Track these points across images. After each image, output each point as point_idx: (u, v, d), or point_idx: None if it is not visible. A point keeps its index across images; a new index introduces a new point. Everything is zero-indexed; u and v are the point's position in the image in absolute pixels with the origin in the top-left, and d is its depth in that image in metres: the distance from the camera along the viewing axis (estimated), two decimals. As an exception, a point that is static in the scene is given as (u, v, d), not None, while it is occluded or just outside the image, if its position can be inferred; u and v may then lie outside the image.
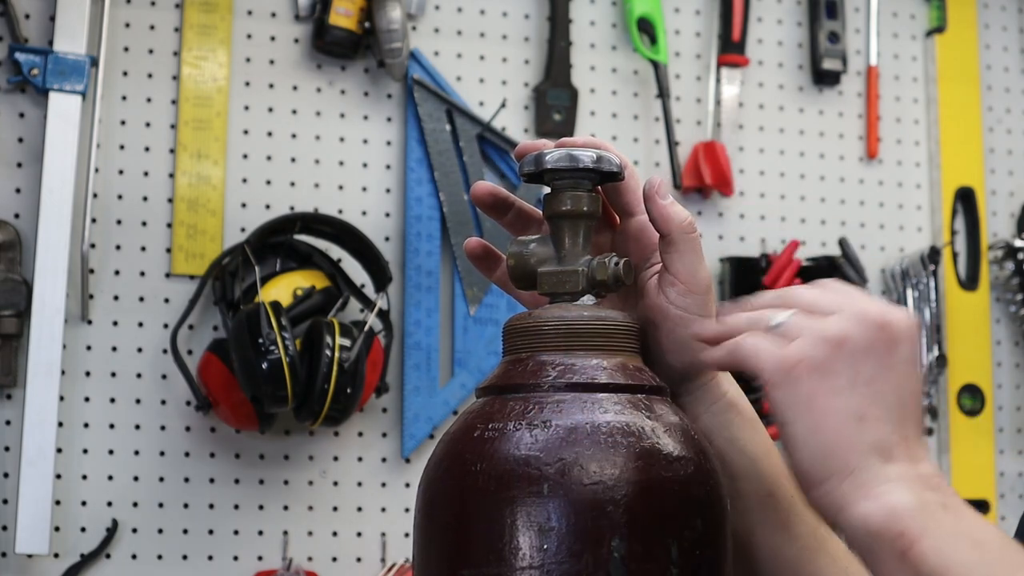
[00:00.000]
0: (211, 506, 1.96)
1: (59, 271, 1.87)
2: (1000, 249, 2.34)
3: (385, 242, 2.06)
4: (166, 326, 1.95)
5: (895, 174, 2.34)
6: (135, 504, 1.93)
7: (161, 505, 1.94)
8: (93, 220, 1.92)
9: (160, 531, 1.94)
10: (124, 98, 2.00)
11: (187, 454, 1.96)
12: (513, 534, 0.75)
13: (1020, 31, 2.44)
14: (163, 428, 1.95)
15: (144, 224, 1.98)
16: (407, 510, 2.02)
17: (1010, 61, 2.42)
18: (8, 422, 1.89)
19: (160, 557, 1.93)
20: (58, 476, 1.88)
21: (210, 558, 1.95)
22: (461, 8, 2.16)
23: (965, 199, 2.33)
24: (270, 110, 2.06)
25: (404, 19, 2.02)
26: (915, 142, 2.36)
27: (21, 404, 1.85)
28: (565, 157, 0.84)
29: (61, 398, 1.88)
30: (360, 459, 2.02)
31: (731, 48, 2.23)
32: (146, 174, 1.99)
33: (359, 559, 2.01)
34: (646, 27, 2.19)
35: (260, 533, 1.97)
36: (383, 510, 2.02)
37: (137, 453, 1.94)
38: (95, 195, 1.94)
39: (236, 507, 1.97)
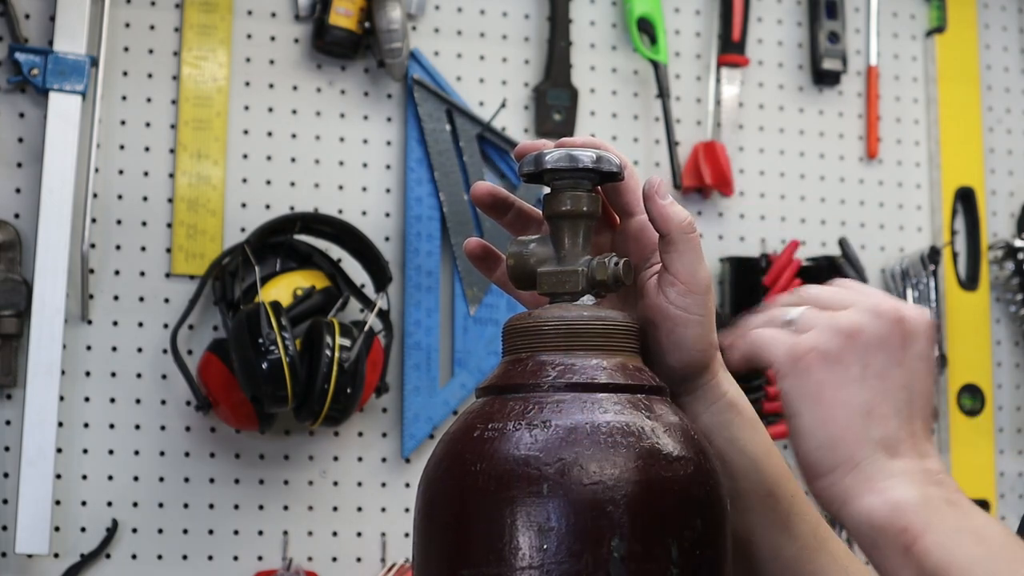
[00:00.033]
0: (211, 506, 1.96)
1: (59, 271, 1.87)
2: (1000, 249, 2.34)
3: (385, 242, 2.06)
4: (166, 326, 1.95)
5: (895, 174, 2.34)
6: (135, 504, 1.93)
7: (161, 505, 1.94)
8: (93, 220, 1.92)
9: (160, 531, 1.94)
10: (124, 98, 2.00)
11: (187, 454, 1.96)
12: (513, 534, 0.75)
13: (1020, 31, 2.44)
14: (163, 428, 1.95)
15: (144, 224, 1.98)
16: (407, 510, 2.02)
17: (1010, 61, 2.42)
18: (8, 422, 1.89)
19: (160, 557, 1.93)
20: (58, 476, 1.88)
21: (210, 558, 1.95)
22: (461, 8, 2.16)
23: (965, 199, 2.33)
24: (270, 110, 2.06)
25: (404, 19, 2.02)
26: (915, 142, 2.36)
27: (21, 404, 1.85)
28: (565, 157, 0.84)
29: (61, 398, 1.88)
30: (360, 459, 2.02)
31: (731, 48, 2.23)
32: (146, 174, 1.99)
33: (359, 559, 2.01)
34: (646, 27, 2.19)
35: (260, 533, 1.97)
36: (383, 510, 2.02)
37: (137, 453, 1.94)
38: (95, 195, 1.94)
39: (236, 507, 1.97)
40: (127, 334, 1.95)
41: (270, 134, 2.05)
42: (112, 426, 1.94)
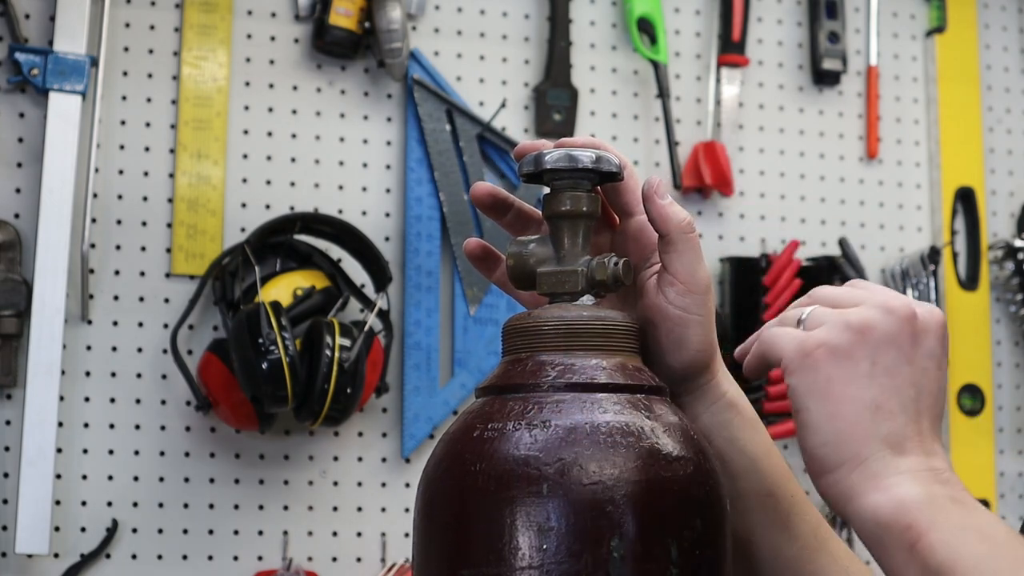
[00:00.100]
0: (211, 506, 1.96)
1: (59, 271, 1.87)
2: (1000, 249, 2.34)
3: (385, 242, 2.06)
4: (166, 326, 1.95)
5: (895, 174, 2.34)
6: (135, 504, 1.93)
7: (161, 505, 1.94)
8: (93, 220, 1.92)
9: (160, 531, 1.94)
10: (124, 98, 2.00)
11: (187, 454, 1.96)
12: (513, 534, 0.75)
13: (1020, 31, 2.44)
14: (163, 428, 1.95)
15: (144, 224, 1.98)
16: (407, 510, 2.02)
17: (1010, 61, 2.42)
18: (8, 422, 1.89)
19: (160, 557, 1.93)
20: (58, 476, 1.88)
21: (210, 558, 1.95)
22: (461, 8, 2.16)
23: (965, 199, 2.33)
24: (270, 110, 2.06)
25: (404, 19, 2.02)
26: (915, 142, 2.36)
27: (21, 404, 1.85)
28: (564, 157, 0.84)
29: (61, 398, 1.88)
30: (360, 459, 2.02)
31: (731, 48, 2.23)
32: (146, 174, 1.99)
33: (359, 559, 2.01)
34: (646, 27, 2.19)
35: (260, 533, 1.97)
36: (383, 510, 2.02)
37: (137, 453, 1.94)
38: (95, 195, 1.94)
39: (236, 507, 1.97)
40: (127, 334, 1.95)
41: (270, 134, 2.05)
42: (112, 426, 1.94)
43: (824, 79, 2.30)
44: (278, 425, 1.95)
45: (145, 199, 1.98)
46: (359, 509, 2.02)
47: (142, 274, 1.97)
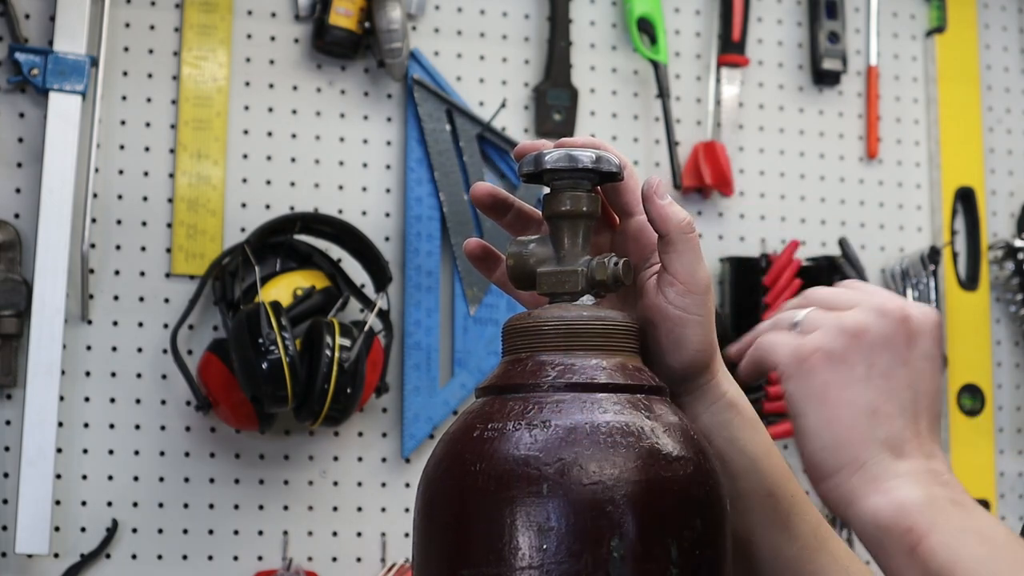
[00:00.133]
0: (211, 506, 1.96)
1: (59, 271, 1.87)
2: (1000, 249, 2.34)
3: (385, 242, 2.06)
4: (166, 326, 1.95)
5: (895, 174, 2.34)
6: (135, 504, 1.93)
7: (161, 505, 1.94)
8: (93, 220, 1.92)
9: (160, 531, 1.94)
10: (124, 98, 2.00)
11: (187, 454, 1.96)
12: (513, 534, 0.75)
13: (1020, 31, 2.44)
14: (163, 428, 1.95)
15: (144, 224, 1.98)
16: (407, 510, 2.02)
17: (1010, 61, 2.42)
18: (8, 422, 1.89)
19: (160, 557, 1.93)
20: (58, 476, 1.88)
21: (210, 558, 1.95)
22: (461, 8, 2.16)
23: (965, 199, 2.33)
24: (270, 110, 2.06)
25: (404, 19, 2.02)
26: (915, 142, 2.36)
27: (21, 404, 1.85)
28: (564, 157, 0.84)
29: (61, 398, 1.88)
30: (360, 459, 2.02)
31: (731, 48, 2.23)
32: (146, 174, 1.99)
33: (359, 559, 2.01)
34: (646, 27, 2.19)
35: (260, 533, 1.97)
36: (383, 510, 2.02)
37: (137, 453, 1.94)
38: (95, 195, 1.94)
39: (236, 507, 1.97)
40: (127, 334, 1.95)
41: (270, 134, 2.05)
42: (112, 426, 1.94)
43: (824, 79, 2.30)
44: (278, 425, 1.95)
45: (145, 199, 1.98)
46: (359, 509, 2.02)
47: (142, 274, 1.97)
